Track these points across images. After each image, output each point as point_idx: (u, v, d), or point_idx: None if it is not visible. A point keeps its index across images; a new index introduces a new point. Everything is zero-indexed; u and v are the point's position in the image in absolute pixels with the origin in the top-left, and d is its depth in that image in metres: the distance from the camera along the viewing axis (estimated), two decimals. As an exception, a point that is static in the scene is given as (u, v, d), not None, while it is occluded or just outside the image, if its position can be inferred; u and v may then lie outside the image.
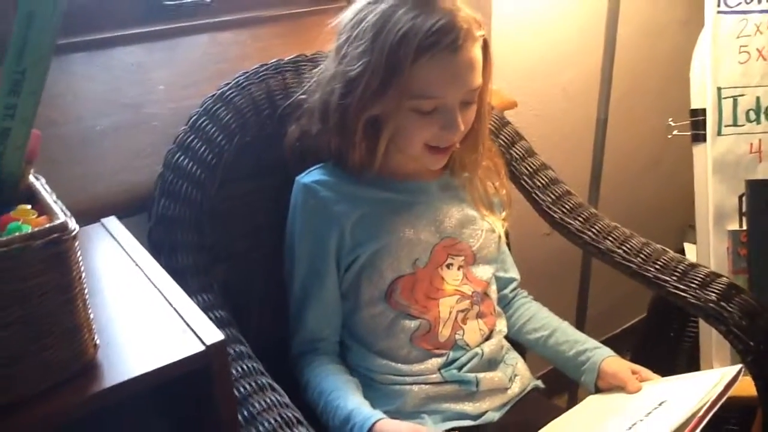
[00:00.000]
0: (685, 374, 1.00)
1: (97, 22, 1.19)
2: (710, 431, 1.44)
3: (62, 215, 0.60)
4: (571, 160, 1.65)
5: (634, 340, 1.93)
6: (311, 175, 1.06)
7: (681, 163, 1.51)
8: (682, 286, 1.09)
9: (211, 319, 0.90)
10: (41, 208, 0.63)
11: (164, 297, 0.74)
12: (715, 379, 0.91)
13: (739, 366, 0.92)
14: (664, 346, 1.66)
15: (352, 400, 0.96)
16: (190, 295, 0.91)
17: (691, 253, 1.66)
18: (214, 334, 0.67)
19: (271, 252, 1.11)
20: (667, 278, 1.11)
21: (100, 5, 1.20)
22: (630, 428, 0.87)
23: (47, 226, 0.58)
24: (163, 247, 0.98)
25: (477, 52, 0.97)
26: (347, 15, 1.01)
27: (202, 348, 0.66)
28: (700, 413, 0.85)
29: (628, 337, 2.08)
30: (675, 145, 1.56)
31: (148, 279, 0.77)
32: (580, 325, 1.76)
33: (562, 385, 1.16)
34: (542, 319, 1.18)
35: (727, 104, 1.39)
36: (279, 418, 0.84)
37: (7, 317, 0.57)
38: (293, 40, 1.34)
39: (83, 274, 0.62)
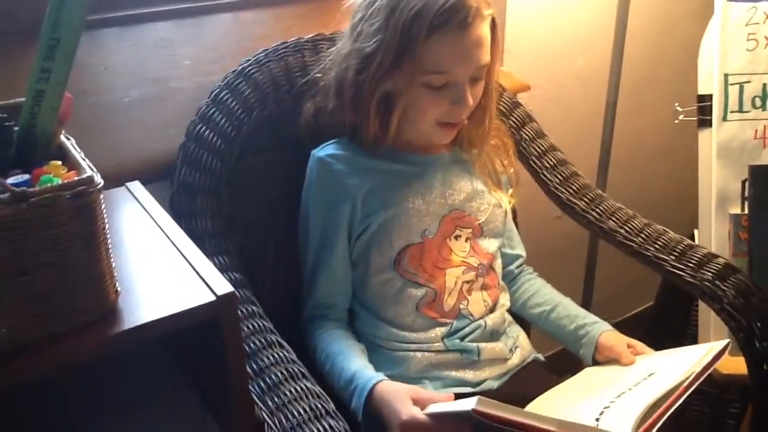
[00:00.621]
0: (677, 348, 1.04)
1: (128, -1, 1.26)
2: (714, 412, 1.48)
3: (89, 170, 0.66)
4: (581, 144, 1.67)
5: (639, 328, 1.95)
6: (326, 150, 1.11)
7: (692, 150, 1.53)
8: (679, 266, 1.13)
9: (227, 279, 0.97)
10: (70, 164, 0.70)
11: (181, 253, 0.80)
12: (702, 352, 0.95)
13: (726, 341, 0.96)
14: (670, 336, 1.69)
15: (356, 363, 1.01)
16: (207, 257, 0.99)
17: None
18: (224, 287, 0.73)
19: (286, 221, 1.16)
20: (666, 257, 1.15)
21: (131, -17, 1.27)
22: (618, 396, 0.92)
23: (75, 179, 0.64)
24: (183, 211, 1.05)
25: (486, 30, 1.01)
26: None
27: (212, 298, 0.72)
28: (686, 383, 0.89)
29: (635, 324, 2.07)
30: (686, 132, 1.58)
31: (168, 237, 0.83)
32: (586, 306, 1.79)
33: (568, 364, 1.20)
34: (545, 295, 1.22)
35: (733, 90, 1.41)
36: (285, 372, 0.90)
37: (41, 260, 0.63)
38: (313, 20, 1.36)
39: (107, 226, 0.68)
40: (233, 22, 1.34)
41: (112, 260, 0.70)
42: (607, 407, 0.89)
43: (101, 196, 0.66)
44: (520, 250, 1.27)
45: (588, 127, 1.74)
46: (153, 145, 1.12)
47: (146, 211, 0.89)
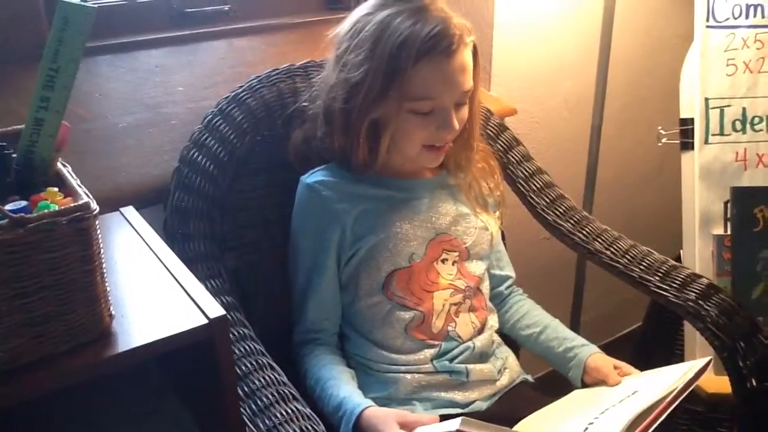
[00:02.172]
0: (661, 368, 1.06)
1: (123, 26, 1.28)
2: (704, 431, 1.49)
3: (85, 197, 0.68)
4: (569, 167, 1.70)
5: (629, 348, 1.97)
6: (314, 176, 1.13)
7: (676, 171, 1.56)
8: (664, 286, 1.15)
9: (219, 303, 0.98)
10: (67, 191, 0.72)
11: (174, 277, 0.82)
12: (684, 369, 0.97)
13: (708, 358, 0.98)
14: (659, 356, 1.70)
15: (344, 389, 1.03)
16: (200, 281, 1.00)
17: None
18: (216, 310, 0.75)
19: (279, 244, 1.18)
20: (651, 278, 1.17)
21: (126, 11, 1.29)
22: (602, 413, 0.93)
23: (72, 205, 0.66)
24: (176, 235, 1.06)
25: (468, 56, 1.04)
26: (344, 26, 1.07)
27: (205, 321, 0.74)
28: (668, 398, 0.90)
29: (624, 345, 2.11)
30: (671, 154, 1.61)
31: (161, 261, 0.85)
32: (574, 329, 1.80)
33: (557, 385, 1.22)
34: (535, 317, 1.24)
35: (714, 114, 1.44)
36: (276, 394, 0.91)
37: (39, 283, 0.65)
38: (305, 47, 1.40)
39: (102, 251, 0.70)
40: (227, 48, 1.37)
41: (106, 284, 0.72)
42: (591, 423, 0.90)
43: (97, 222, 0.68)
44: (509, 270, 1.29)
45: (574, 150, 1.77)
46: (147, 169, 1.14)
47: (140, 236, 0.91)
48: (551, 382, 1.24)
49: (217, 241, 1.09)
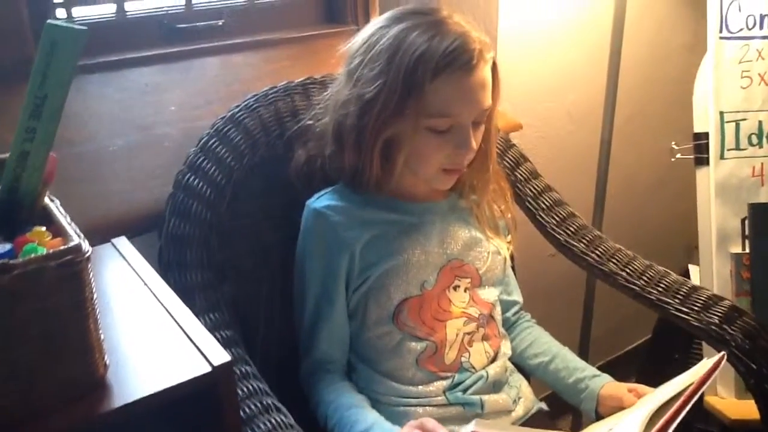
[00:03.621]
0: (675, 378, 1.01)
1: (113, 43, 1.22)
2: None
3: (76, 237, 0.62)
4: (575, 181, 1.66)
5: (638, 361, 1.93)
6: (321, 200, 1.07)
7: (685, 184, 1.52)
8: (684, 309, 1.11)
9: (218, 338, 0.92)
10: (56, 229, 0.66)
11: (173, 318, 0.75)
12: (697, 367, 0.92)
13: (722, 353, 0.92)
14: (669, 369, 1.65)
15: (370, 416, 0.98)
16: (198, 315, 0.94)
17: (695, 274, 1.66)
18: (221, 355, 0.69)
19: (279, 270, 1.13)
20: (670, 300, 1.12)
21: (115, 27, 1.23)
22: (620, 420, 0.89)
23: (62, 248, 0.60)
24: (172, 265, 1.00)
25: (488, 72, 0.99)
26: (358, 40, 1.03)
27: (209, 369, 0.67)
28: (685, 394, 0.84)
29: (633, 358, 2.08)
30: (679, 166, 1.57)
31: (158, 300, 0.79)
32: (584, 345, 1.77)
33: (566, 407, 1.17)
34: (543, 344, 1.19)
35: (729, 128, 1.40)
36: (284, 438, 0.85)
37: (26, 334, 0.59)
38: (303, 63, 1.36)
39: (95, 295, 0.64)
40: (221, 65, 1.31)
41: (100, 331, 0.66)
42: (611, 429, 0.87)
43: (89, 265, 0.62)
44: (516, 296, 1.24)
45: (580, 165, 1.73)
46: (140, 195, 1.08)
47: (134, 271, 0.85)
48: (559, 402, 1.20)
49: (215, 270, 1.04)
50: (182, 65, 1.28)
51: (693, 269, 1.70)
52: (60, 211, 0.68)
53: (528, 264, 1.30)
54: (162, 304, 0.78)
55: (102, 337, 0.66)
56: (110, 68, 1.21)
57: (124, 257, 0.89)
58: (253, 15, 1.37)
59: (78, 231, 0.63)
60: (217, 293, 1.01)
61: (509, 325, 1.22)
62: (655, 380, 1.05)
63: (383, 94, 0.96)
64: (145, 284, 0.82)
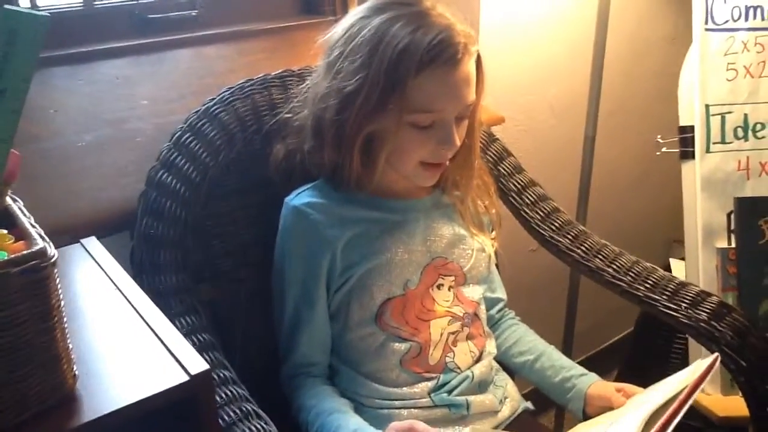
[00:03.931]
0: (665, 379, 0.99)
1: (81, 35, 1.18)
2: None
3: (40, 241, 0.57)
4: (558, 175, 1.65)
5: (621, 355, 1.92)
6: (301, 197, 1.04)
7: (667, 178, 1.50)
8: (672, 305, 1.09)
9: (195, 342, 0.89)
10: (19, 232, 0.61)
11: (146, 323, 0.71)
12: (692, 368, 0.90)
13: (715, 355, 0.90)
14: (652, 361, 1.65)
15: (352, 421, 0.95)
16: (173, 318, 0.90)
17: (677, 269, 1.66)
18: (198, 363, 0.65)
19: (257, 270, 1.09)
20: (657, 297, 1.10)
21: (84, 17, 1.18)
22: (612, 424, 0.87)
23: (25, 252, 0.56)
24: (145, 267, 0.96)
25: (473, 66, 0.97)
26: (338, 31, 0.99)
27: (186, 378, 0.64)
28: (680, 397, 0.82)
29: (617, 351, 2.07)
30: (661, 160, 1.56)
31: (130, 304, 0.75)
32: (568, 339, 1.75)
33: (548, 403, 1.15)
34: (528, 343, 1.17)
35: (715, 121, 1.39)
36: (265, 446, 0.82)
37: (-16, 347, 0.55)
38: (280, 55, 1.32)
39: (62, 302, 0.60)
40: (195, 57, 1.27)
41: (68, 340, 0.62)
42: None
43: (56, 270, 0.58)
44: (500, 293, 1.21)
45: (563, 159, 1.71)
46: (110, 193, 1.04)
47: (105, 273, 0.81)
48: (541, 398, 1.18)
49: (191, 271, 1.00)
50: (154, 57, 1.23)
51: (675, 263, 1.69)
52: (23, 213, 0.63)
53: (510, 259, 1.28)
54: (135, 309, 0.74)
55: (70, 346, 0.62)
56: (79, 60, 1.16)
57: (94, 258, 0.84)
58: (228, 5, 1.33)
59: (43, 234, 0.59)
60: (193, 296, 0.97)
61: (493, 323, 1.20)
62: (638, 374, 1.04)
63: (365, 88, 0.93)
64: (117, 287, 0.78)
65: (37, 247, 0.56)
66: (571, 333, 1.75)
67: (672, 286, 1.12)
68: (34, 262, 0.55)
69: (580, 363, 1.14)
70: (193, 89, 1.20)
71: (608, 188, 1.88)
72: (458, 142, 0.99)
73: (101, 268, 0.82)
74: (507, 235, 1.23)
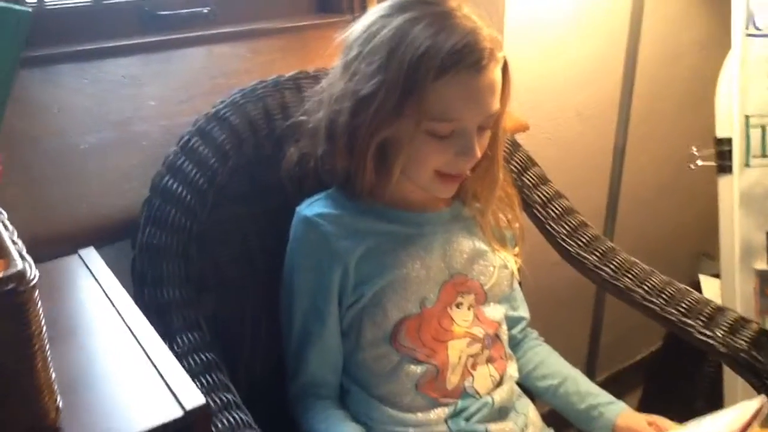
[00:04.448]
0: (703, 417, 0.92)
1: (88, 31, 1.13)
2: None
3: (20, 261, 0.51)
4: (584, 184, 1.58)
5: (647, 373, 1.85)
6: (313, 207, 0.98)
7: (696, 188, 1.43)
8: (708, 332, 1.02)
9: (196, 362, 0.83)
10: (-1, 248, 0.55)
11: (142, 348, 0.65)
12: (735, 413, 0.83)
13: (761, 398, 0.84)
14: (680, 383, 1.57)
15: None
16: (174, 335, 0.85)
17: (708, 287, 1.59)
18: (194, 397, 0.59)
19: (265, 281, 1.03)
20: (692, 323, 1.04)
21: (91, 14, 1.14)
22: None
23: (2, 275, 0.50)
24: (146, 279, 0.91)
25: (498, 74, 0.90)
26: (357, 29, 0.94)
27: (180, 413, 0.57)
28: None
29: (642, 368, 1.99)
30: (691, 170, 1.49)
31: (126, 325, 0.69)
32: (593, 354, 1.69)
33: (567, 424, 1.09)
34: (552, 365, 1.11)
35: (755, 133, 1.31)
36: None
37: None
38: (295, 55, 1.27)
39: (44, 328, 0.54)
40: (206, 56, 1.22)
41: (51, 370, 0.56)
42: None
43: (36, 294, 0.52)
44: (523, 311, 1.15)
45: (589, 168, 1.65)
46: (112, 199, 0.99)
47: (102, 289, 0.75)
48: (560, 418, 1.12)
49: (194, 283, 0.95)
50: (163, 56, 1.18)
51: (705, 281, 1.62)
52: (5, 226, 0.57)
53: (533, 272, 1.22)
54: (131, 331, 0.68)
55: (53, 376, 0.56)
56: (84, 58, 1.11)
57: (91, 272, 0.79)
58: (242, 2, 1.28)
59: (23, 252, 0.53)
60: (195, 310, 0.92)
61: (515, 344, 1.13)
62: (664, 396, 0.97)
63: (381, 92, 0.87)
64: (114, 306, 0.72)
65: (15, 269, 0.50)
66: (595, 348, 1.69)
67: (708, 311, 1.05)
68: (11, 285, 0.50)
69: (604, 380, 1.09)
70: (203, 90, 1.15)
71: (635, 198, 1.80)
72: (479, 154, 0.92)
73: (98, 283, 0.77)
74: (529, 247, 1.17)
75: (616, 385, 1.07)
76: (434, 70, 0.85)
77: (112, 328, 0.69)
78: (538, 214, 1.20)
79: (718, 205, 1.37)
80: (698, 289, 1.61)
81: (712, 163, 1.33)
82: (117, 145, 1.04)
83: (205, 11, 1.22)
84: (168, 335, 0.87)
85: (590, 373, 1.74)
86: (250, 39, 1.26)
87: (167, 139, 1.03)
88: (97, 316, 0.71)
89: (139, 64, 1.15)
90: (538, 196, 1.22)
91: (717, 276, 1.68)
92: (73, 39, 1.11)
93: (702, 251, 1.93)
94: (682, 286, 1.11)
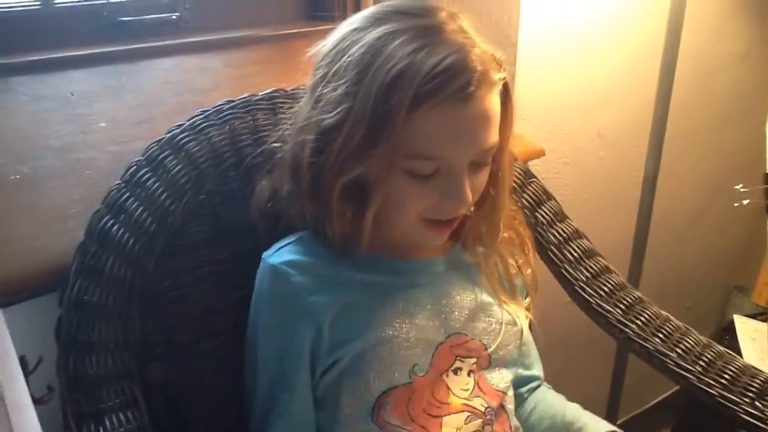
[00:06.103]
0: None
1: (35, 40, 1.00)
2: None
3: None
4: (607, 217, 1.44)
5: (673, 415, 1.71)
6: (281, 254, 0.83)
7: (726, 217, 1.27)
8: (757, 413, 0.86)
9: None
10: None
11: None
12: None
13: None
14: (708, 426, 1.42)
15: None
16: (102, 415, 0.71)
17: (743, 328, 1.44)
18: None
19: (228, 340, 0.89)
20: (737, 399, 0.87)
21: (40, 19, 1.00)
22: None
23: None
24: (74, 344, 0.77)
25: (494, 101, 0.75)
26: (328, 43, 0.80)
27: None
28: None
29: (668, 409, 1.84)
30: (723, 194, 1.33)
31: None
32: (615, 395, 1.55)
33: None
34: (550, 408, 0.96)
35: (812, 168, 1.15)
36: None
37: None
38: (276, 68, 1.13)
39: None
40: (172, 70, 1.09)
41: None
42: None
43: None
44: (537, 369, 1.00)
45: (613, 196, 1.52)
46: (43, 242, 0.84)
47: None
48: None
49: (135, 350, 0.80)
50: (123, 69, 1.04)
51: (741, 323, 1.46)
52: None
53: (545, 311, 1.08)
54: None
55: None
56: (27, 71, 0.98)
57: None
58: (217, 7, 1.14)
59: None
60: (133, 384, 0.77)
61: (521, 402, 0.98)
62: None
63: (347, 124, 0.73)
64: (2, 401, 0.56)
65: None
66: (618, 391, 1.54)
67: (758, 384, 0.88)
68: None
69: (626, 421, 0.93)
70: (166, 109, 1.01)
71: (663, 228, 1.65)
72: (470, 198, 0.77)
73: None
74: (543, 283, 1.03)
75: (640, 427, 0.91)
76: (408, 99, 0.70)
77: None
78: (553, 257, 1.06)
79: (752, 235, 1.22)
80: (732, 331, 1.46)
81: (763, 202, 1.17)
82: (56, 175, 0.90)
83: (174, 17, 1.09)
84: (95, 415, 0.73)
85: (611, 416, 1.60)
86: (225, 50, 1.13)
87: (116, 169, 0.88)
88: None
89: (92, 78, 1.01)
90: (554, 236, 1.07)
91: (753, 316, 1.53)
92: (15, 48, 0.98)
93: (734, 283, 1.77)
94: (723, 349, 0.95)
